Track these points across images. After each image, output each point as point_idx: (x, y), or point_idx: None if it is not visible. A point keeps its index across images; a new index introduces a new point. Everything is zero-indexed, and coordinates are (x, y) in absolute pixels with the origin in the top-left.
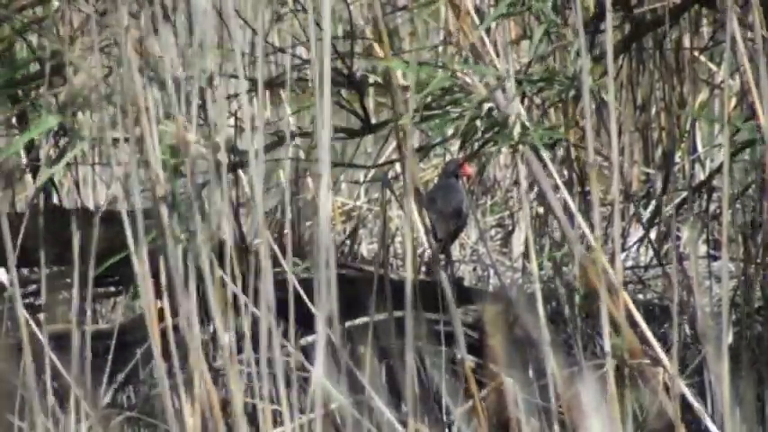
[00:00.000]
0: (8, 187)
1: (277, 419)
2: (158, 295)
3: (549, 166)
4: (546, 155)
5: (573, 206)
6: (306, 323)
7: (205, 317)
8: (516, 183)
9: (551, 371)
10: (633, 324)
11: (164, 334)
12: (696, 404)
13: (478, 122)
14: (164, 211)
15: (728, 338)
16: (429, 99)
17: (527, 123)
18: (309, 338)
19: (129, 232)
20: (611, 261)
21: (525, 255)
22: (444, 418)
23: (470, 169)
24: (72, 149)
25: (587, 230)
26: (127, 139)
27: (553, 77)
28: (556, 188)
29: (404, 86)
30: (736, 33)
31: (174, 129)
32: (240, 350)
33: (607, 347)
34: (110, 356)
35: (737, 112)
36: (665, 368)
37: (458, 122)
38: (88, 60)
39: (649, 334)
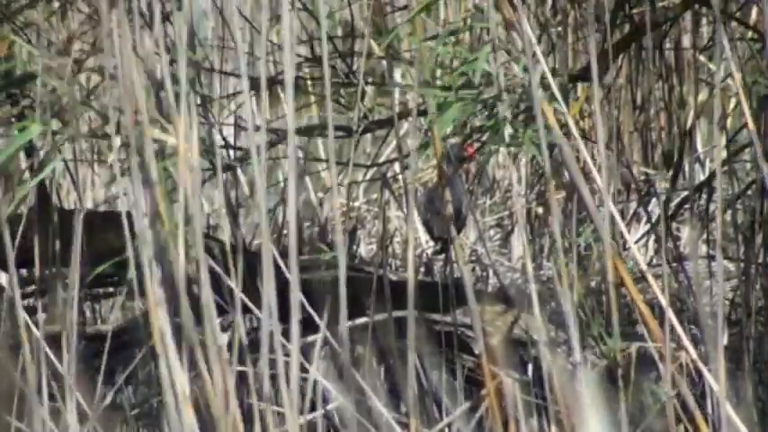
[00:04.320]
0: (8, 189)
1: (275, 420)
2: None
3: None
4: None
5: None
6: (305, 324)
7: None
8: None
9: (549, 371)
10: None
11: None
12: (712, 383)
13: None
14: (163, 210)
15: (725, 338)
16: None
17: (516, 125)
18: (309, 339)
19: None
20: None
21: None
22: (443, 418)
23: (472, 149)
24: (55, 155)
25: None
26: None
27: (500, 94)
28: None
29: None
30: (722, 35)
31: (165, 133)
32: (240, 350)
33: (577, 356)
34: (106, 357)
35: (737, 112)
36: (686, 351)
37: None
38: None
39: (674, 320)
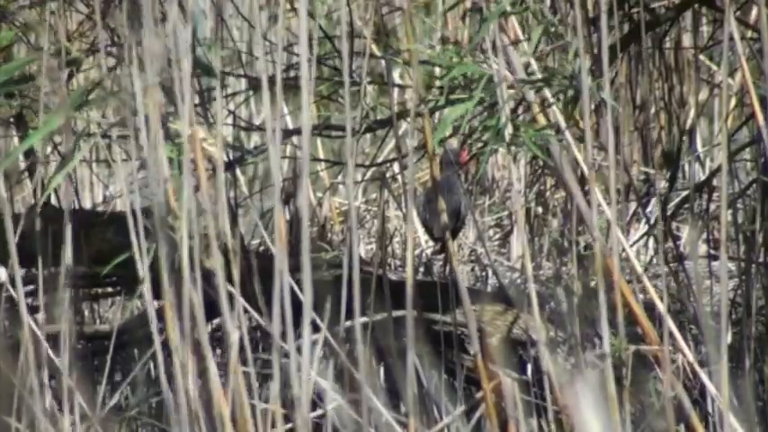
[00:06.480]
0: (6, 189)
1: (274, 420)
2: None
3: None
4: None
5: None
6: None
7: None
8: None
9: (548, 370)
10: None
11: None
12: (711, 388)
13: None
14: (172, 208)
15: (728, 338)
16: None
17: (518, 124)
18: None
19: (132, 232)
20: (611, 260)
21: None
22: (443, 418)
23: (467, 155)
24: (78, 150)
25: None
26: (134, 137)
27: (552, 77)
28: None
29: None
30: (734, 32)
31: (184, 127)
32: (240, 350)
33: (606, 347)
34: (106, 357)
35: (737, 112)
36: (684, 354)
37: (471, 107)
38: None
39: (670, 322)
